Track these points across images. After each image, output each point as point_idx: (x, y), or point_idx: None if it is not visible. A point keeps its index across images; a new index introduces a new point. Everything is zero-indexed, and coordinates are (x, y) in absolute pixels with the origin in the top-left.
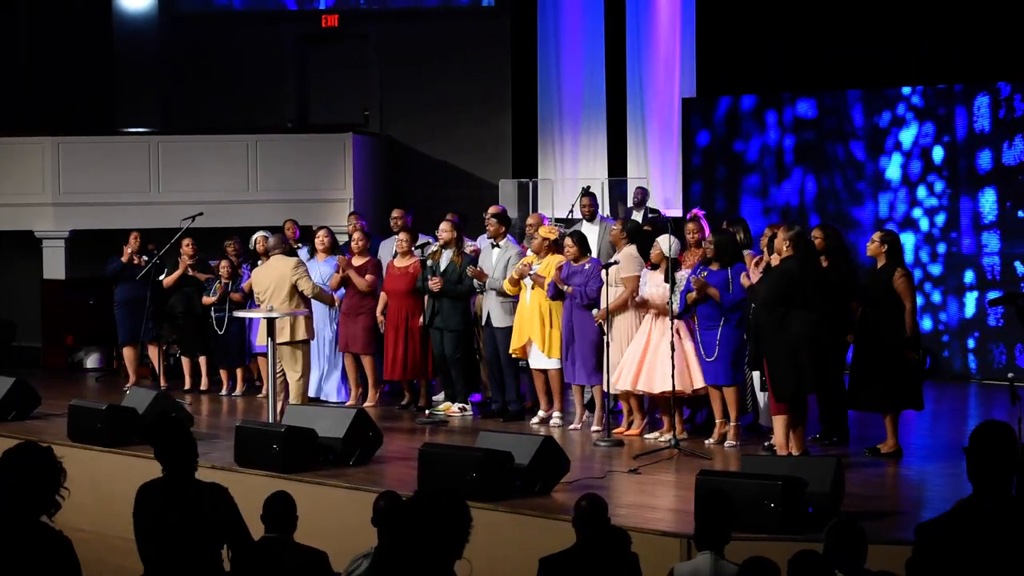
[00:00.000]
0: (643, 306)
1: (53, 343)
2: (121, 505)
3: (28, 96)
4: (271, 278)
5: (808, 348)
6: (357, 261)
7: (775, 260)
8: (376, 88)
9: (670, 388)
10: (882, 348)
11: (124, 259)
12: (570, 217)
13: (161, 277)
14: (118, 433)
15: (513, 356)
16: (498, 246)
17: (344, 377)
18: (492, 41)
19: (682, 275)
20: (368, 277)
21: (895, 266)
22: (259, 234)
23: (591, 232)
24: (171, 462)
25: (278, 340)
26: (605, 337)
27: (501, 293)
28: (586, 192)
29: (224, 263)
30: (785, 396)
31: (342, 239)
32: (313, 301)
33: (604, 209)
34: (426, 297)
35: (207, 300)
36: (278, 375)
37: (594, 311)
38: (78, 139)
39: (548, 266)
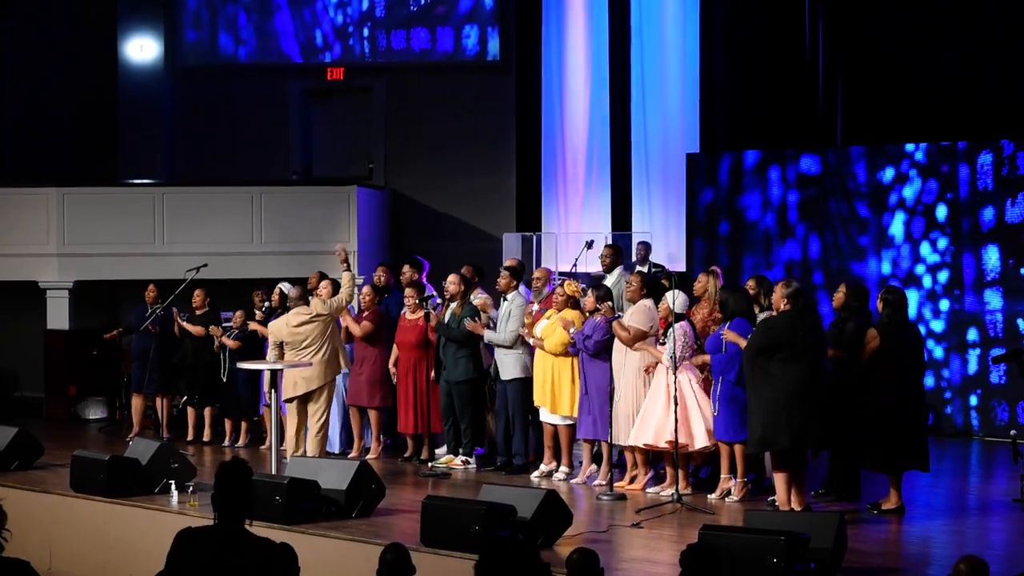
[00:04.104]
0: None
1: (56, 394)
2: (121, 555)
3: (33, 147)
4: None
5: (798, 403)
6: (365, 311)
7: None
8: (380, 141)
9: (660, 442)
10: (883, 407)
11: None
12: (572, 271)
13: (185, 320)
14: (120, 484)
15: (537, 406)
16: (506, 299)
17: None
18: (497, 94)
19: (676, 328)
20: (364, 324)
21: (876, 323)
22: (280, 285)
23: (609, 283)
24: (230, 508)
25: (304, 389)
26: (613, 391)
27: (502, 345)
28: (590, 245)
29: (239, 313)
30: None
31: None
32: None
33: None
34: (432, 351)
35: (231, 344)
36: (300, 430)
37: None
38: (83, 190)
39: (552, 323)
